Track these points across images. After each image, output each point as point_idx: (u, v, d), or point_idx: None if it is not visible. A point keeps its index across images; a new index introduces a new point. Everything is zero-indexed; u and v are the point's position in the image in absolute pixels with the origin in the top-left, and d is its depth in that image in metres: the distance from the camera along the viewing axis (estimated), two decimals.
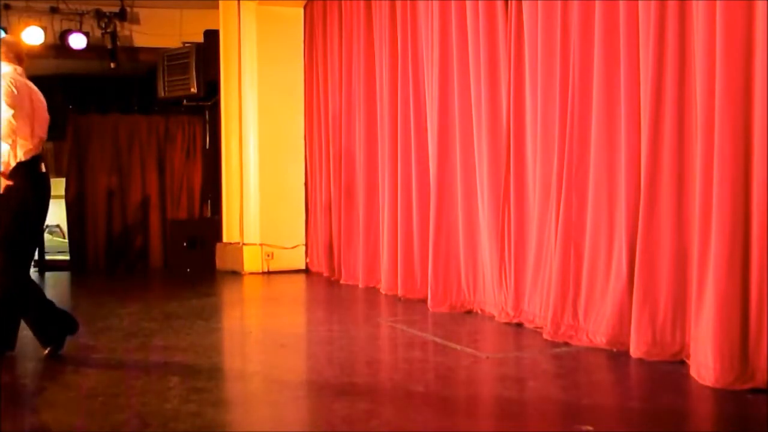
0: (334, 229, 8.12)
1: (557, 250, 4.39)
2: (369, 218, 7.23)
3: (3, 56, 4.24)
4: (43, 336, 4.23)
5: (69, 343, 4.81)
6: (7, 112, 4.03)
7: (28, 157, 4.11)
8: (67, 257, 10.41)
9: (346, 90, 7.72)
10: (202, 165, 10.80)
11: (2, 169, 4.03)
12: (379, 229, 6.99)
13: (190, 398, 3.27)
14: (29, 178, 4.10)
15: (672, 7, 3.70)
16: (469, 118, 5.49)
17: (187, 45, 9.98)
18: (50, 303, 4.32)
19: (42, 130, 4.25)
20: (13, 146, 4.06)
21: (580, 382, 3.62)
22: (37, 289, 4.32)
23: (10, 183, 4.03)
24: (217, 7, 9.57)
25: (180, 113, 10.82)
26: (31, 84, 4.28)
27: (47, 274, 9.46)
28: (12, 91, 4.05)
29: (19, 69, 4.26)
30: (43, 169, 4.21)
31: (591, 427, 2.79)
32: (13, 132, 4.03)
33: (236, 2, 9.12)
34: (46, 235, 10.95)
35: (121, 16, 10.28)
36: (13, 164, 4.05)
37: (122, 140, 10.55)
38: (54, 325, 4.25)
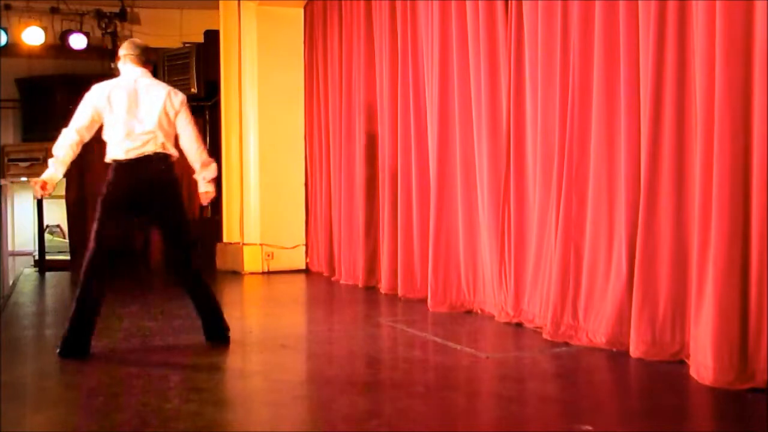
0: (334, 229, 8.12)
1: (557, 249, 4.40)
2: (369, 218, 7.24)
3: (135, 59, 4.46)
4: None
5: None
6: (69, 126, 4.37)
7: (129, 156, 4.28)
8: (67, 257, 10.41)
9: (346, 90, 7.72)
10: None
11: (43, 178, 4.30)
12: (379, 229, 6.99)
13: (191, 398, 3.27)
14: (116, 175, 4.31)
15: (672, 7, 3.71)
16: (469, 118, 5.49)
17: (187, 45, 9.99)
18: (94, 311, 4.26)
19: (151, 127, 4.30)
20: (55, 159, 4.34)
21: (580, 382, 3.63)
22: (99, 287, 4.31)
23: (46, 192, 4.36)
24: (217, 7, 9.58)
25: None
26: (134, 85, 4.38)
27: (48, 274, 9.46)
28: (81, 105, 4.37)
29: (134, 73, 4.43)
30: (146, 170, 4.29)
31: (591, 426, 2.79)
32: (56, 147, 4.36)
33: (236, 2, 9.12)
34: (47, 235, 10.94)
35: (122, 16, 10.31)
36: (52, 172, 4.32)
37: None
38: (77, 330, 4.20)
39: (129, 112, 4.31)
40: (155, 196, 4.34)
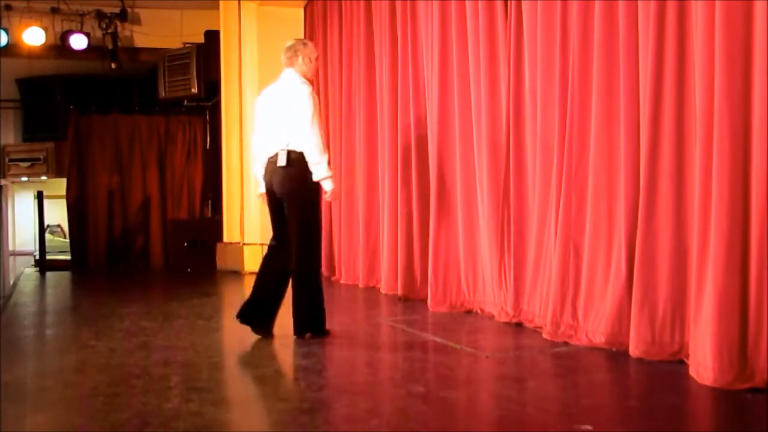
0: (334, 229, 8.13)
1: (557, 249, 4.40)
2: (369, 218, 7.24)
3: (286, 61, 4.67)
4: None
5: (71, 343, 4.84)
6: None
7: (268, 155, 4.61)
8: (68, 257, 10.43)
9: (346, 90, 7.72)
10: (203, 165, 10.81)
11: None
12: (379, 229, 6.99)
13: (191, 398, 3.27)
14: (263, 174, 4.69)
15: (671, 7, 3.71)
16: (469, 118, 5.50)
17: (187, 45, 10.00)
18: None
19: (276, 126, 4.58)
20: None
21: (580, 382, 3.63)
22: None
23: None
24: (217, 7, 9.58)
25: (181, 113, 10.84)
26: (276, 86, 4.70)
27: (48, 274, 9.47)
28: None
29: (283, 74, 4.68)
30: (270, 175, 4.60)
31: (590, 426, 2.79)
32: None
33: (237, 3, 9.13)
34: (47, 235, 10.96)
35: (122, 16, 10.31)
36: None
37: (123, 140, 10.57)
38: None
39: (267, 113, 4.64)
40: (280, 193, 4.56)
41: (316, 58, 4.76)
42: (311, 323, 4.64)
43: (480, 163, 5.36)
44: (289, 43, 4.78)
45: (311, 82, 4.73)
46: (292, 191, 4.53)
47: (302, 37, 8.99)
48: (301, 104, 4.48)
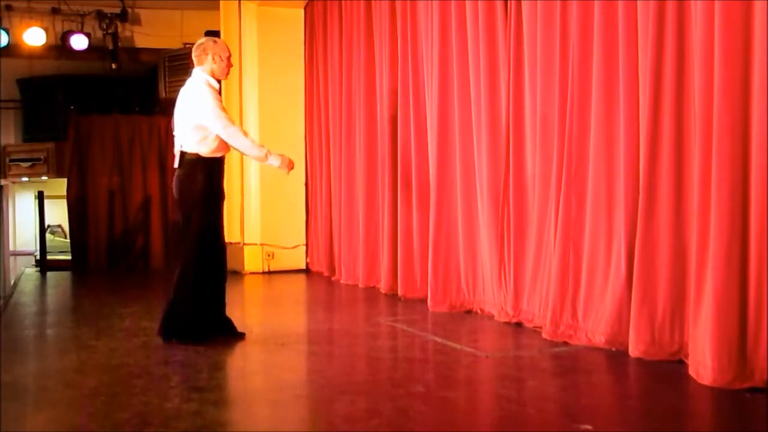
0: (334, 229, 8.13)
1: (556, 249, 4.41)
2: (369, 218, 7.24)
3: (193, 60, 4.56)
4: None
5: (71, 343, 4.85)
6: None
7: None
8: (68, 257, 10.42)
9: (346, 90, 7.73)
10: None
11: None
12: (379, 229, 7.00)
13: (191, 397, 3.28)
14: None
15: (671, 7, 3.71)
16: (469, 118, 5.50)
17: (188, 46, 9.98)
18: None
19: (174, 126, 4.59)
20: None
21: (579, 382, 3.63)
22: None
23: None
24: (217, 8, 9.59)
25: None
26: (182, 91, 4.58)
27: (49, 274, 9.47)
28: None
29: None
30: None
31: (590, 426, 2.80)
32: None
33: (237, 3, 9.13)
34: (48, 235, 10.96)
35: (123, 17, 10.31)
36: None
37: (123, 141, 10.54)
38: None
39: (175, 116, 4.54)
40: (174, 194, 4.54)
41: (228, 57, 4.53)
42: (175, 328, 4.42)
43: (480, 163, 5.37)
44: (200, 41, 4.62)
45: (219, 81, 4.58)
46: (180, 192, 4.47)
47: (302, 37, 9.02)
48: (201, 104, 4.36)
